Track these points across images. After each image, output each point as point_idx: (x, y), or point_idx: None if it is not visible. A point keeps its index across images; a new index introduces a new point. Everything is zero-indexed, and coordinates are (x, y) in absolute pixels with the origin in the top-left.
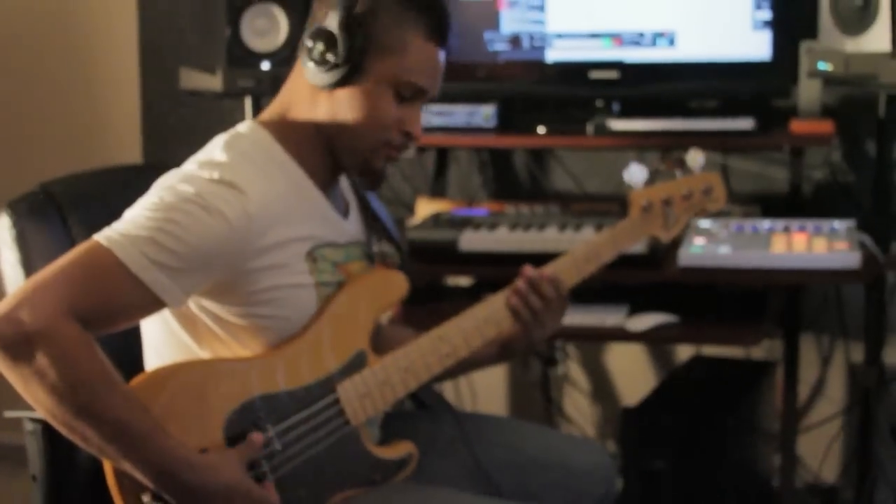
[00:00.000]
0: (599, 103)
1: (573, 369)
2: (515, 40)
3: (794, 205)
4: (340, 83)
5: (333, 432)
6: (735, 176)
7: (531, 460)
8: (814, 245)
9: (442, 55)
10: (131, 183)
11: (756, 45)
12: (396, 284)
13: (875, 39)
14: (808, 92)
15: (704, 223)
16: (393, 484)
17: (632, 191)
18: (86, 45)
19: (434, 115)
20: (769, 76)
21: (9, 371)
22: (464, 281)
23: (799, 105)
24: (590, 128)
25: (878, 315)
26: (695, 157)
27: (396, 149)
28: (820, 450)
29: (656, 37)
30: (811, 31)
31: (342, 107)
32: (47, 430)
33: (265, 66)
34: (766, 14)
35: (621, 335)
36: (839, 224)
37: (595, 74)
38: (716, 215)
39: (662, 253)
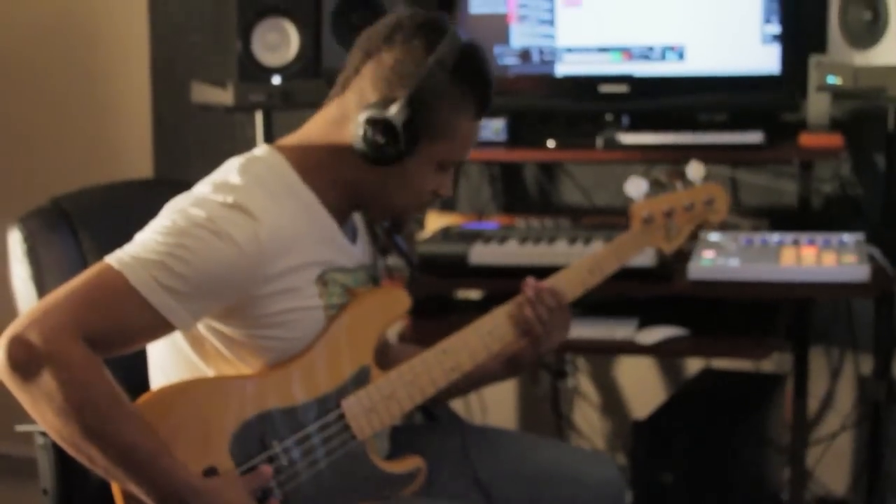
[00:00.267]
0: (609, 117)
1: (583, 382)
2: (525, 54)
3: (803, 218)
4: (387, 165)
5: (340, 447)
6: (744, 189)
7: (541, 473)
8: (823, 258)
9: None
10: (142, 198)
11: (765, 59)
12: (399, 300)
13: (884, 53)
14: (817, 105)
15: (714, 236)
16: (401, 497)
17: (633, 203)
18: (97, 60)
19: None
20: (778, 90)
21: (18, 391)
22: (474, 294)
23: (808, 118)
24: (599, 141)
25: (887, 328)
26: (696, 169)
27: (425, 206)
28: (829, 463)
29: (665, 51)
30: (820, 44)
31: (382, 177)
32: (58, 445)
33: (276, 80)
34: (775, 28)
35: (631, 348)
36: (848, 237)
37: (605, 88)
38: (725, 229)
39: (672, 266)
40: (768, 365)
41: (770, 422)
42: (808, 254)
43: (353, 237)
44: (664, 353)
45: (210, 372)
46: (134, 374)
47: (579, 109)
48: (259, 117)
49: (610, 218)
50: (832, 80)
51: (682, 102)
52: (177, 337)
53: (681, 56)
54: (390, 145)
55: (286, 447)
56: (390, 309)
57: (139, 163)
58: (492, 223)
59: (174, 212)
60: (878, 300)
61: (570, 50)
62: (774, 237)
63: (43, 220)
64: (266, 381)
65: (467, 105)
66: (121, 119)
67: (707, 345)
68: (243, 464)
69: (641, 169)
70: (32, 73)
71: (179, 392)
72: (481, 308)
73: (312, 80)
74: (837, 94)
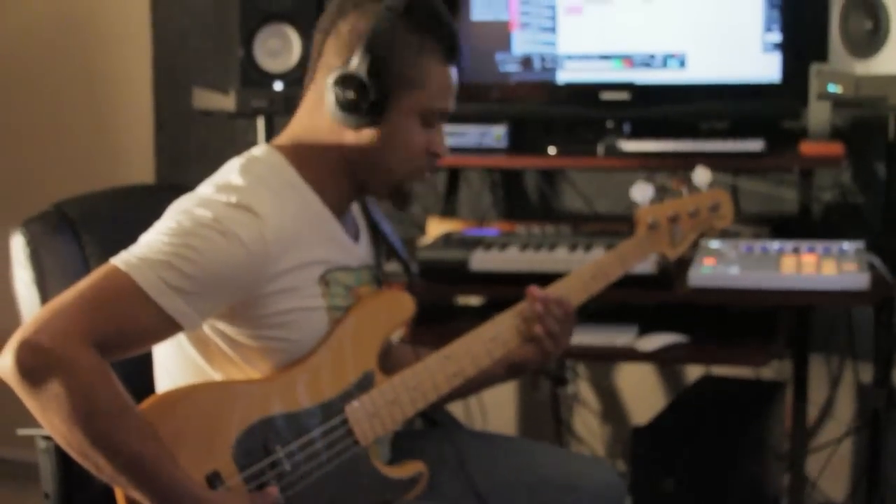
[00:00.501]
0: (610, 124)
1: (583, 389)
2: (527, 61)
3: (803, 226)
4: (367, 122)
5: (343, 452)
6: (745, 197)
7: (541, 480)
8: (823, 266)
9: (455, 72)
10: (145, 203)
11: (766, 67)
12: (404, 305)
13: (885, 62)
14: (818, 114)
15: (714, 244)
16: (402, 502)
17: (638, 209)
18: (100, 65)
19: (446, 135)
20: (779, 98)
21: (27, 397)
22: (474, 301)
23: (809, 127)
24: (600, 148)
25: (887, 336)
26: (702, 175)
27: (425, 169)
28: (829, 470)
29: (667, 58)
30: (821, 53)
31: (371, 139)
32: (60, 449)
33: (278, 86)
34: (776, 36)
35: (631, 355)
36: (848, 245)
37: (606, 95)
38: (725, 236)
39: (672, 273)
40: (768, 372)
41: (770, 429)
42: (809, 262)
43: (355, 236)
44: (664, 360)
45: (215, 374)
46: (139, 376)
47: (580, 116)
48: (261, 123)
49: (611, 225)
50: (833, 88)
51: (684, 110)
52: (182, 339)
53: (682, 64)
54: (362, 99)
55: (289, 452)
56: (395, 313)
57: (141, 168)
58: (493, 230)
59: (179, 213)
60: (878, 308)
61: (571, 57)
62: (775, 245)
63: (46, 224)
64: (270, 385)
65: (431, 49)
66: (123, 124)
67: (707, 352)
68: (246, 469)
69: (642, 176)
70: (35, 79)
71: (183, 396)
72: (482, 314)
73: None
74: (838, 102)
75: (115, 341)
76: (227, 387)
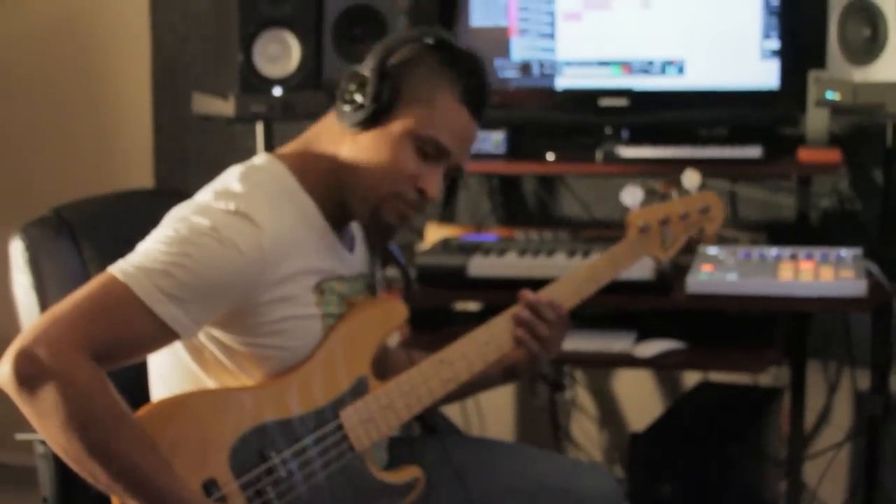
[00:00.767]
0: (608, 130)
1: (581, 394)
2: (526, 68)
3: (801, 233)
4: (365, 125)
5: (338, 458)
6: (742, 203)
7: (538, 486)
8: (821, 273)
9: (473, 126)
10: (143, 208)
11: (764, 74)
12: (396, 311)
13: (883, 69)
14: (816, 121)
15: (712, 250)
16: None
17: (629, 212)
18: (99, 70)
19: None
20: (777, 105)
21: (24, 406)
22: (472, 306)
23: (807, 134)
24: (599, 155)
25: (884, 343)
26: (691, 178)
27: (409, 205)
28: (826, 476)
29: (665, 65)
30: (819, 60)
31: (363, 149)
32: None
33: (277, 91)
34: (775, 43)
35: (629, 361)
36: (846, 252)
37: (604, 102)
38: (723, 243)
39: (670, 280)
40: (766, 378)
41: (767, 435)
42: (806, 268)
43: (350, 246)
44: (662, 367)
45: (209, 381)
46: (135, 384)
47: (579, 123)
48: (260, 128)
49: (609, 231)
50: (831, 95)
51: (682, 116)
52: (177, 346)
53: (680, 70)
54: (363, 95)
55: (285, 458)
56: (388, 320)
57: (140, 173)
58: (491, 235)
59: (176, 220)
60: (876, 315)
61: (570, 63)
62: (772, 251)
63: (45, 229)
64: (265, 392)
65: (449, 81)
66: (122, 129)
67: (705, 358)
68: (242, 476)
69: (639, 181)
70: (34, 83)
71: (179, 404)
72: (480, 320)
73: (313, 91)
74: (836, 109)
75: (112, 350)
76: (222, 394)
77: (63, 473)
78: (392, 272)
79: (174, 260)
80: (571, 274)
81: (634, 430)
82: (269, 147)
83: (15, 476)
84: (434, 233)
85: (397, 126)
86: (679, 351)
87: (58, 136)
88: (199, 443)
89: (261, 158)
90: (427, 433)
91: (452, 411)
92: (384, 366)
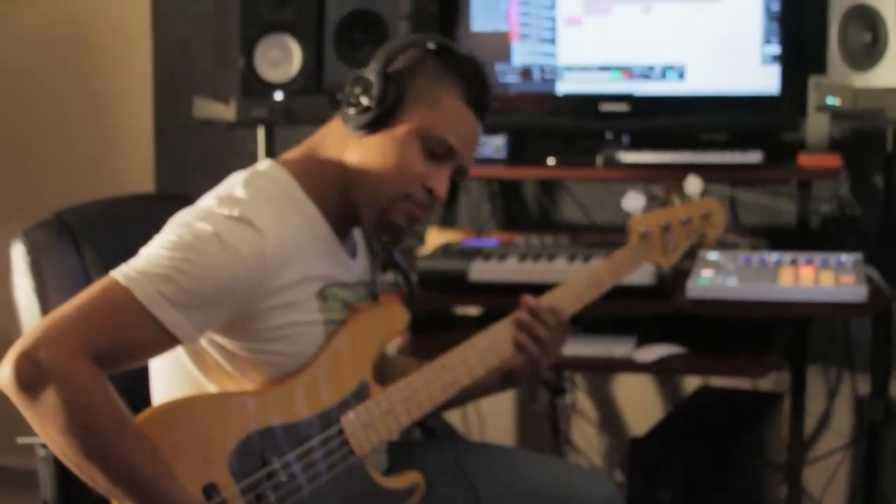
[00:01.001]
0: (609, 135)
1: (581, 399)
2: (526, 73)
3: (801, 238)
4: (371, 128)
5: (339, 463)
6: (743, 208)
7: (538, 490)
8: (821, 278)
9: (478, 127)
10: (145, 212)
11: (765, 80)
12: (397, 317)
13: (883, 75)
14: (817, 126)
15: (712, 255)
16: None
17: (631, 218)
18: (100, 74)
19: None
20: (778, 110)
21: (25, 409)
22: (473, 311)
23: (807, 139)
24: (599, 160)
25: (884, 348)
26: (693, 184)
27: (417, 206)
28: (826, 481)
29: (666, 70)
30: (820, 65)
31: (370, 153)
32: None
33: (278, 96)
34: (775, 49)
35: (629, 366)
36: (846, 257)
37: (605, 107)
38: (724, 247)
39: (670, 284)
40: (766, 383)
41: (767, 440)
42: (806, 273)
43: (352, 253)
44: (662, 371)
45: (211, 386)
46: (136, 388)
47: (580, 127)
48: (261, 133)
49: (609, 236)
50: (831, 100)
51: (682, 122)
52: (178, 351)
53: (681, 75)
54: (368, 98)
55: (285, 463)
56: (389, 325)
57: (141, 177)
58: (492, 240)
59: (180, 226)
60: (876, 320)
61: (570, 68)
62: (773, 256)
63: (46, 233)
64: (265, 397)
65: (453, 83)
66: (123, 134)
67: (705, 363)
68: (242, 480)
69: (640, 187)
70: (35, 88)
71: (179, 408)
72: (480, 324)
73: (314, 96)
74: (836, 114)
75: (114, 354)
76: (223, 398)
77: (63, 477)
78: (393, 277)
79: (177, 265)
80: (573, 279)
81: (634, 434)
82: (271, 151)
83: (16, 479)
84: (435, 237)
85: (404, 127)
86: (679, 356)
87: (60, 141)
88: (199, 447)
89: (264, 164)
90: (427, 438)
91: (453, 416)
92: (383, 371)
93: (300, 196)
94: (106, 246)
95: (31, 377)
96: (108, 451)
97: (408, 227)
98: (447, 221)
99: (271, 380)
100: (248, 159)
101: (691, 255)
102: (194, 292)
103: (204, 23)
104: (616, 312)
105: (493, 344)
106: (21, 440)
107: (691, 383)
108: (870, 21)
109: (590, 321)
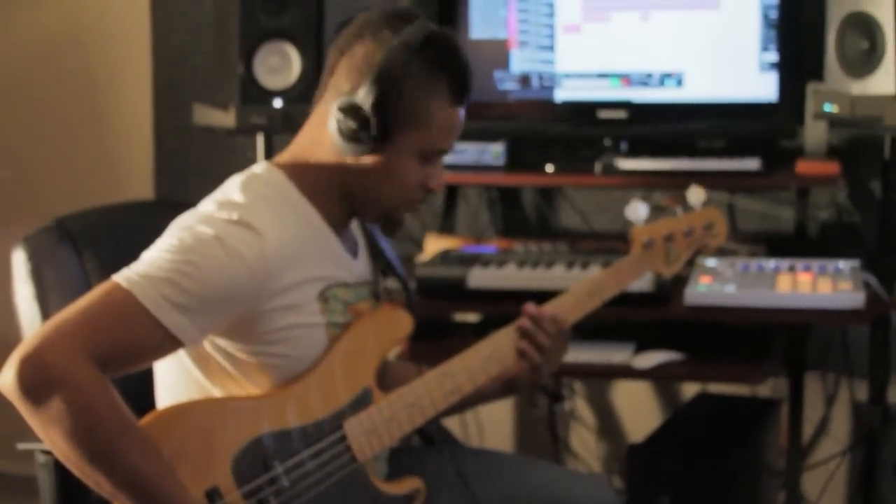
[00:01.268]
0: (607, 142)
1: (580, 406)
2: (525, 80)
3: (799, 244)
4: (367, 152)
5: (341, 469)
6: (741, 215)
7: (537, 496)
8: (819, 285)
9: (462, 112)
10: (145, 219)
11: (763, 87)
12: (402, 322)
13: (880, 82)
14: (814, 133)
15: (710, 262)
16: None
17: (633, 227)
18: (100, 81)
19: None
20: (776, 117)
21: (28, 414)
22: (472, 317)
23: (805, 146)
24: (598, 166)
25: (882, 354)
26: (696, 194)
27: (417, 202)
28: (824, 487)
29: (664, 77)
30: (817, 73)
31: (367, 170)
32: (59, 463)
33: (278, 103)
34: (773, 56)
35: (627, 372)
36: (844, 264)
37: (603, 114)
38: (722, 254)
39: (669, 291)
40: (764, 390)
41: (765, 446)
42: (804, 280)
43: (354, 252)
44: (660, 378)
45: (214, 389)
46: (140, 391)
47: (578, 134)
48: (260, 140)
49: (608, 243)
50: (829, 108)
51: (681, 129)
52: (182, 355)
53: (679, 83)
54: (364, 131)
55: (288, 468)
56: (393, 331)
57: (140, 184)
58: (490, 247)
59: (180, 230)
60: (874, 326)
61: (569, 76)
62: (771, 263)
63: (47, 240)
64: (268, 402)
65: (439, 89)
66: (123, 140)
67: (703, 369)
68: (245, 485)
69: (639, 194)
70: (35, 94)
71: (183, 412)
72: (479, 331)
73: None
74: (834, 122)
75: (117, 358)
76: (226, 403)
77: (63, 483)
78: (391, 283)
79: (179, 268)
80: (575, 288)
81: (633, 441)
82: (270, 158)
83: (15, 485)
84: (433, 244)
85: (402, 146)
86: (677, 362)
87: (60, 147)
88: (202, 451)
89: (261, 166)
90: (426, 444)
91: (452, 422)
92: (386, 378)
93: (297, 197)
94: (106, 252)
95: (34, 381)
96: (112, 454)
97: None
98: (446, 228)
99: (275, 383)
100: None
101: (690, 262)
102: (196, 295)
103: (203, 30)
104: (615, 319)
105: (496, 351)
106: (21, 446)
107: (689, 390)
108: (867, 28)
109: (588, 328)
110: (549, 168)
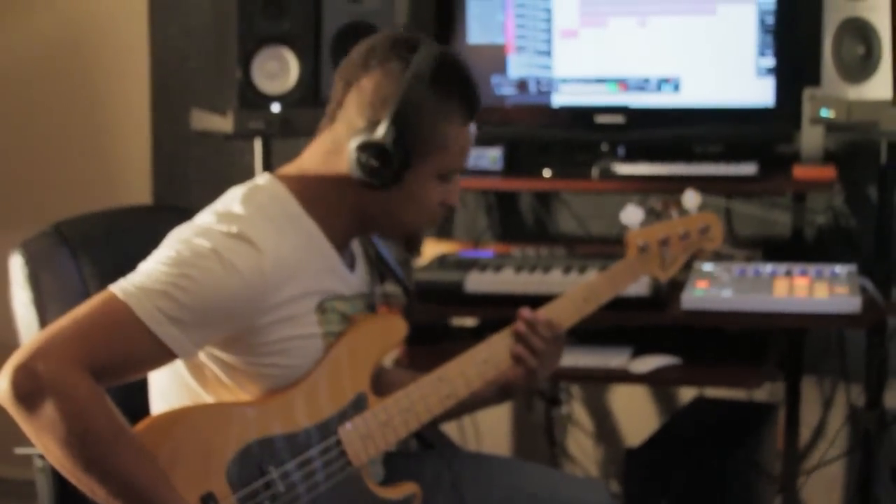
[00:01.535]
0: (605, 147)
1: (577, 410)
2: (522, 85)
3: (796, 249)
4: (389, 185)
5: (336, 473)
6: (738, 220)
7: (534, 501)
8: (815, 289)
9: (474, 128)
10: (142, 224)
11: (759, 92)
12: (396, 328)
13: (877, 87)
14: (811, 138)
15: (707, 267)
16: None
17: (628, 231)
18: (97, 86)
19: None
20: (772, 122)
21: (22, 421)
22: (469, 322)
23: (801, 151)
24: (595, 171)
25: (878, 359)
26: (691, 198)
27: (437, 218)
28: (821, 492)
29: (661, 82)
30: (814, 78)
31: (389, 197)
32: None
33: (275, 108)
34: (770, 61)
35: (625, 377)
36: (840, 269)
37: (601, 119)
38: (718, 259)
39: (666, 296)
40: (761, 394)
41: (762, 450)
42: (801, 285)
43: (351, 265)
44: (657, 382)
45: (208, 398)
46: (135, 399)
47: (575, 139)
48: (258, 145)
49: (605, 247)
50: (826, 113)
51: (678, 133)
52: (177, 364)
53: (676, 88)
54: (385, 167)
55: (283, 473)
56: (387, 336)
57: (138, 189)
58: (488, 251)
59: (178, 242)
60: (870, 331)
61: (566, 81)
62: (767, 268)
63: (44, 245)
64: (263, 407)
65: (453, 113)
66: (120, 145)
67: (700, 374)
68: (240, 490)
69: (636, 199)
70: (33, 99)
71: (178, 418)
72: (476, 336)
73: (311, 108)
74: (831, 126)
75: (111, 368)
76: (221, 408)
77: (61, 488)
78: (391, 288)
79: (175, 281)
80: (571, 292)
81: (630, 445)
82: (268, 163)
83: (14, 490)
84: (431, 249)
85: (421, 171)
86: (674, 367)
87: (57, 152)
88: (197, 456)
89: (263, 179)
90: (423, 449)
91: (449, 427)
92: (382, 383)
93: (299, 212)
94: (104, 257)
95: (28, 389)
96: (106, 461)
97: None
98: (443, 233)
99: (269, 391)
100: (246, 171)
101: (686, 266)
102: (192, 309)
103: (201, 35)
104: (611, 323)
105: (491, 356)
106: (19, 451)
107: (686, 394)
108: (864, 34)
109: (585, 332)
110: (547, 173)
